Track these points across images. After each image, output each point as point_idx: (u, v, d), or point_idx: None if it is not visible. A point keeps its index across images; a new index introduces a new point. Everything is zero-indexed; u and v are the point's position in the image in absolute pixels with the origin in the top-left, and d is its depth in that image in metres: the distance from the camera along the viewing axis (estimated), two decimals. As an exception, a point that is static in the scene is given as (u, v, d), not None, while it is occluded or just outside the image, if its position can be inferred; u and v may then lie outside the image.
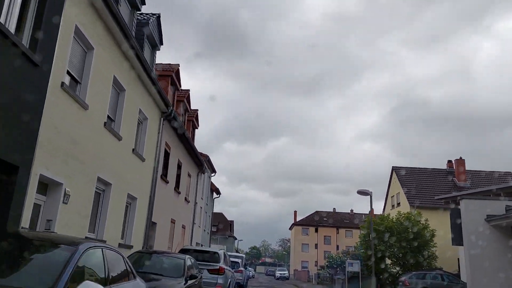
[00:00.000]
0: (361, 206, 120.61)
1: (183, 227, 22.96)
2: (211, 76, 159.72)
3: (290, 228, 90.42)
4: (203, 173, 28.38)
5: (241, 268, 25.88)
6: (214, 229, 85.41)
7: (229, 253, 23.30)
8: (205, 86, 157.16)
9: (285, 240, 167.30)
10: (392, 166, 42.25)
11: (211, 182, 36.19)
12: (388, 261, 30.04)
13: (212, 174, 35.56)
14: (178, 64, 19.86)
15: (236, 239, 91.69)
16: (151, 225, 15.57)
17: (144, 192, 14.78)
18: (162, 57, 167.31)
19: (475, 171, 40.04)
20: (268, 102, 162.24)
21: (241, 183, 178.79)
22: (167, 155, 18.12)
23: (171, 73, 18.72)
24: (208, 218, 37.00)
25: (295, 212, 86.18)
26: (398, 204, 39.71)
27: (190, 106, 23.73)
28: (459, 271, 25.51)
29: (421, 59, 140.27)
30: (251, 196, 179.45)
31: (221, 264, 14.16)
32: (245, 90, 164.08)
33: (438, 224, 28.16)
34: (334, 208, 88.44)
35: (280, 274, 63.29)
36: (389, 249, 29.06)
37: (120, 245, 12.37)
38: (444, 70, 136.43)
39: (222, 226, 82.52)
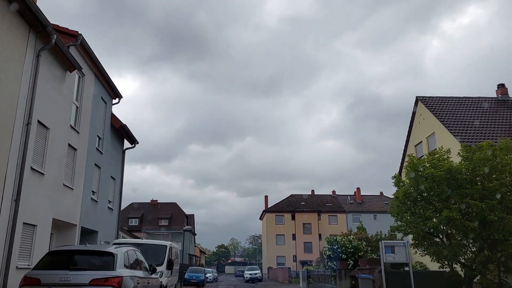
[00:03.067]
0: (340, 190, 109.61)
1: None
2: (170, 78, 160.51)
3: (261, 218, 74.86)
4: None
5: (159, 270, 11.33)
6: (164, 222, 68.97)
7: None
8: (165, 89, 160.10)
9: (256, 236, 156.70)
10: (417, 97, 27.43)
11: (112, 115, 20.04)
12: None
13: (115, 101, 19.51)
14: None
15: (195, 234, 75.19)
16: None
17: None
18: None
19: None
20: (230, 103, 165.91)
21: (208, 185, 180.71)
22: None
23: None
24: (115, 186, 20.83)
25: (266, 197, 70.78)
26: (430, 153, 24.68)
27: None
28: None
29: (374, 58, 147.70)
30: (219, 197, 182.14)
31: (118, 272, 7.55)
32: (205, 92, 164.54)
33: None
34: (312, 190, 73.72)
35: (250, 274, 47.63)
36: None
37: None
38: (395, 68, 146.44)
39: (174, 218, 65.91)
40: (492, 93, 28.13)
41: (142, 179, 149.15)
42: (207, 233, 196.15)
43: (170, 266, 14.77)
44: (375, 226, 66.46)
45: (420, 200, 15.62)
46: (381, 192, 73.88)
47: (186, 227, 39.90)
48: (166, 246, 15.24)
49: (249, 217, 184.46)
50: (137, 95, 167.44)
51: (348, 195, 71.60)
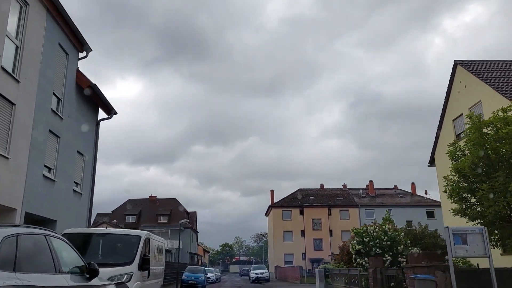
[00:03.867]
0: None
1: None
2: (172, 80, 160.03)
3: (267, 214, 70.34)
4: None
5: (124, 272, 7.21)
6: (163, 219, 64.60)
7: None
8: (167, 90, 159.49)
9: (261, 235, 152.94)
10: (455, 61, 22.81)
11: (79, 72, 15.55)
12: None
13: (82, 55, 15.09)
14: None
15: (197, 232, 70.90)
16: None
17: None
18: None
19: None
20: (231, 104, 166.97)
21: (212, 185, 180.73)
22: None
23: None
24: (84, 164, 16.32)
25: (272, 192, 66.14)
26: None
27: None
28: None
29: (375, 57, 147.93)
30: (223, 197, 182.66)
31: None
32: (207, 93, 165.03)
33: None
34: (321, 184, 69.03)
35: (256, 274, 43.11)
36: None
37: None
38: (397, 67, 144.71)
39: (174, 215, 61.54)
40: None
41: (146, 180, 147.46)
42: (211, 233, 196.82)
43: (144, 265, 10.29)
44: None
45: (498, 168, 11.08)
46: (395, 186, 69.25)
47: (183, 220, 35.39)
48: (140, 237, 10.78)
49: (253, 216, 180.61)
50: (140, 97, 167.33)
51: (360, 189, 66.91)
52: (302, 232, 60.89)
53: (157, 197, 66.94)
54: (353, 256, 17.36)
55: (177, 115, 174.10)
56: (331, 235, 60.70)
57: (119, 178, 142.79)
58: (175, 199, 66.38)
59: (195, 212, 78.66)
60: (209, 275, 42.04)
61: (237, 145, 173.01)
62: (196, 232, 69.58)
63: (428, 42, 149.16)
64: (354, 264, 17.50)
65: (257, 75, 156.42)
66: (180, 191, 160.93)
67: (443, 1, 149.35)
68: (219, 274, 51.56)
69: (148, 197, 67.26)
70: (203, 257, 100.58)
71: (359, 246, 16.55)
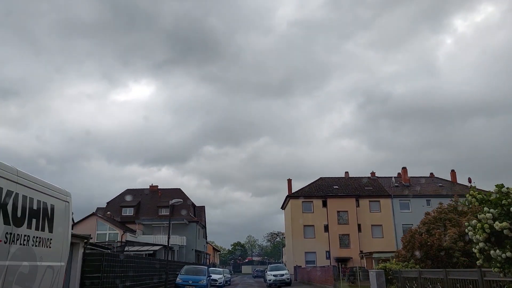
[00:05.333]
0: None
1: None
2: (184, 82, 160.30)
3: (284, 206, 61.76)
4: None
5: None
6: (165, 212, 56.33)
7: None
8: (178, 92, 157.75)
9: (274, 233, 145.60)
10: None
11: None
12: None
13: None
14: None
15: (204, 227, 62.68)
16: None
17: None
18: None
19: None
20: (242, 104, 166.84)
21: (223, 185, 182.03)
22: None
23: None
24: None
25: (290, 181, 57.40)
26: None
27: None
28: None
29: (386, 58, 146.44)
30: (234, 197, 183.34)
31: None
32: (217, 94, 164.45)
33: None
34: (346, 172, 60.14)
35: (274, 276, 34.61)
36: None
37: None
38: (408, 67, 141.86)
39: (178, 207, 53.37)
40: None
41: (158, 180, 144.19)
42: (222, 233, 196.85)
43: None
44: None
45: None
46: (431, 174, 60.12)
47: (174, 200, 27.23)
48: None
49: (265, 217, 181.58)
50: (153, 99, 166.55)
51: (392, 177, 57.91)
52: (326, 227, 52.16)
53: (158, 187, 58.85)
54: (480, 243, 8.83)
55: (189, 116, 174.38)
56: (359, 230, 51.89)
57: (132, 179, 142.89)
58: (179, 189, 58.22)
59: (204, 206, 70.66)
60: (215, 276, 33.75)
61: (249, 146, 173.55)
62: (203, 227, 61.24)
63: (439, 42, 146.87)
64: (481, 258, 8.90)
65: (268, 76, 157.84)
66: (192, 192, 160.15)
67: (453, 1, 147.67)
68: (229, 275, 43.05)
69: (148, 187, 59.20)
70: (213, 257, 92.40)
71: (504, 223, 7.99)
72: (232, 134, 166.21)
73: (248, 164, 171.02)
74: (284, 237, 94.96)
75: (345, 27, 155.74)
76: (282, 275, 34.91)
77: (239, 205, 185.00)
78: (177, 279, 22.95)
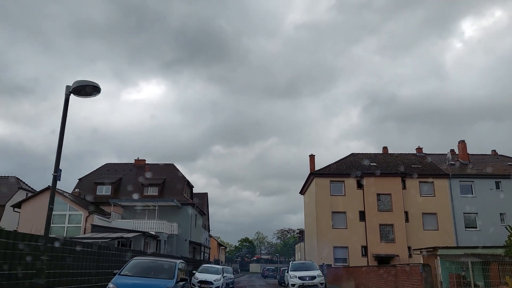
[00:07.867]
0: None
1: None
2: (193, 82, 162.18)
3: (303, 191, 49.14)
4: None
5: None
6: (152, 191, 42.94)
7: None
8: (188, 92, 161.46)
9: (285, 231, 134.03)
10: None
11: None
12: None
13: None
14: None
15: (204, 214, 50.29)
16: None
17: None
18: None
19: None
20: (250, 105, 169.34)
21: (232, 185, 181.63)
22: None
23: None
24: None
25: (312, 157, 44.73)
26: None
27: None
28: None
29: (393, 61, 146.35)
30: (243, 197, 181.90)
31: None
32: (226, 94, 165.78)
33: None
34: (384, 147, 47.31)
35: (301, 280, 22.20)
36: None
37: None
38: (415, 71, 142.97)
39: (170, 186, 41.05)
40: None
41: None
42: (230, 232, 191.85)
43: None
44: (498, 199, 39.80)
45: None
46: (493, 151, 47.11)
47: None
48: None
49: (273, 216, 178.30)
50: (163, 98, 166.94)
51: (447, 153, 45.00)
52: (362, 215, 39.46)
53: (146, 162, 46.59)
54: None
55: (198, 115, 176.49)
56: (407, 219, 39.13)
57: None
58: (172, 164, 45.83)
59: (207, 193, 58.42)
60: (209, 277, 21.65)
61: (257, 146, 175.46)
62: (203, 214, 48.81)
63: (447, 46, 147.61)
64: None
65: (275, 78, 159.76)
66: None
67: (460, 6, 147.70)
68: (232, 276, 30.53)
69: (133, 161, 46.97)
70: (218, 253, 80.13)
71: None
72: (240, 134, 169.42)
73: (256, 164, 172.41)
74: (298, 233, 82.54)
75: (352, 31, 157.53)
76: (313, 277, 22.46)
77: (247, 204, 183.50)
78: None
